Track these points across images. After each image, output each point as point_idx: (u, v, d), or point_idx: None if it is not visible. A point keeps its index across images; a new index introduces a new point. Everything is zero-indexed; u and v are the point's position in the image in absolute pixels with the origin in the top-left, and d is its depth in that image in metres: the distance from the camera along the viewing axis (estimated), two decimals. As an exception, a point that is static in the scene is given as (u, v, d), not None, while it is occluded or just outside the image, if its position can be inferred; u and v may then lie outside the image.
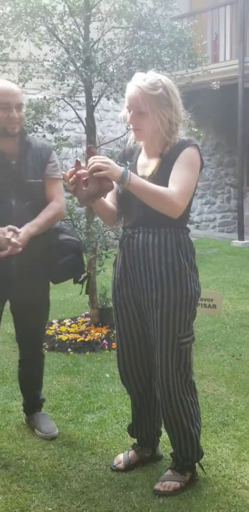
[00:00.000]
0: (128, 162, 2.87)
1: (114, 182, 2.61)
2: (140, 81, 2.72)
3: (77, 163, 2.65)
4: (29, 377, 3.59)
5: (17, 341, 3.61)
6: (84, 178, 2.60)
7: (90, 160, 2.58)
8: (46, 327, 3.87)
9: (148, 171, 2.78)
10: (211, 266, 8.89)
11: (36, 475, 3.02)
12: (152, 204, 2.67)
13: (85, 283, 3.50)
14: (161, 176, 2.71)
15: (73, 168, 2.64)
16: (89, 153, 2.63)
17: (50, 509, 2.72)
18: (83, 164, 2.66)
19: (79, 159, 2.71)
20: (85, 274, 3.47)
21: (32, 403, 3.60)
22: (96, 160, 2.56)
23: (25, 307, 3.35)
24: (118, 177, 2.58)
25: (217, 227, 14.15)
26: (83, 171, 2.62)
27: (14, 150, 3.21)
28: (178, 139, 2.75)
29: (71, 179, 2.63)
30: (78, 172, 2.63)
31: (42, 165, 3.21)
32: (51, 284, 3.44)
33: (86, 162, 2.62)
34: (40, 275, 3.27)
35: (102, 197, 2.79)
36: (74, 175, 2.63)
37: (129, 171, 2.62)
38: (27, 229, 3.12)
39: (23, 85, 5.49)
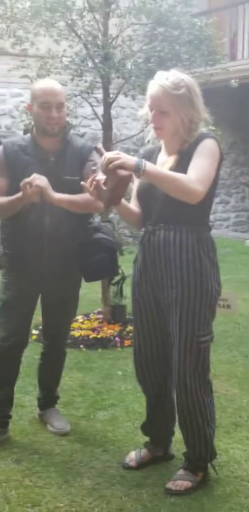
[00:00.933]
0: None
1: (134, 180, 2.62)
2: (162, 80, 2.71)
3: (93, 171, 2.69)
4: (49, 372, 3.61)
5: (43, 334, 3.64)
6: (103, 180, 2.62)
7: (102, 158, 2.59)
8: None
9: (166, 168, 2.77)
10: (225, 266, 8.81)
11: (48, 471, 3.02)
12: (169, 190, 2.65)
13: (119, 286, 3.48)
14: (179, 171, 2.69)
15: (91, 177, 2.67)
16: (99, 153, 2.65)
17: (61, 505, 2.72)
18: (99, 173, 2.69)
19: (95, 168, 2.73)
20: (118, 275, 3.47)
21: (47, 399, 3.61)
22: (108, 155, 2.57)
23: (55, 301, 3.37)
24: (133, 165, 2.56)
25: (230, 226, 14.08)
26: (101, 175, 2.63)
27: (54, 147, 3.23)
28: (197, 134, 2.74)
29: (92, 188, 2.64)
30: (97, 177, 2.65)
31: (81, 163, 3.21)
32: None
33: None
34: (71, 271, 3.29)
35: (126, 202, 2.79)
36: (93, 182, 2.65)
37: (143, 159, 2.61)
38: (55, 194, 3.09)
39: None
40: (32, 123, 3.33)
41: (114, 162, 2.53)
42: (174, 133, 2.76)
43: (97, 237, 3.28)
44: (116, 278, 5.46)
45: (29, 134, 3.32)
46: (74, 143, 3.31)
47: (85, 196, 3.01)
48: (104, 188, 2.62)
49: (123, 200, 2.81)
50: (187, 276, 2.74)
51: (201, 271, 2.74)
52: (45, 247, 3.20)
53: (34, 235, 3.18)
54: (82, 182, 2.72)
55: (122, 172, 2.57)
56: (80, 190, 3.18)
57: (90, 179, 2.67)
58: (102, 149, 2.67)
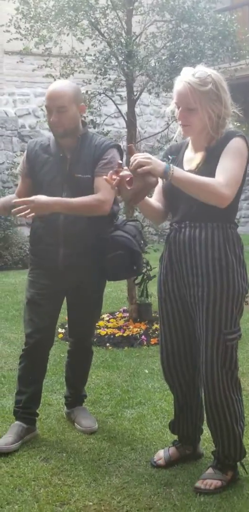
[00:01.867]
0: (169, 156, 2.85)
1: (159, 179, 2.59)
2: (189, 76, 2.68)
3: (119, 165, 2.63)
4: (76, 370, 3.62)
5: (68, 332, 3.66)
6: (128, 178, 2.59)
7: (132, 158, 2.57)
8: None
9: (193, 165, 2.76)
10: (250, 263, 8.78)
11: (77, 469, 3.02)
12: (197, 195, 2.63)
13: (144, 285, 3.43)
14: (207, 169, 2.68)
15: (114, 170, 2.62)
16: (130, 151, 2.62)
17: (90, 503, 2.72)
18: (124, 166, 2.65)
19: (120, 161, 2.70)
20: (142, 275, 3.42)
21: (75, 397, 3.62)
22: (138, 157, 2.55)
23: (78, 299, 3.40)
24: (161, 171, 2.55)
25: (256, 223, 13.97)
26: (126, 172, 2.59)
27: (71, 146, 3.25)
28: (225, 132, 2.71)
29: (114, 182, 2.61)
30: (121, 173, 2.60)
31: (93, 162, 3.21)
32: None
33: (128, 161, 2.61)
34: (90, 268, 3.29)
35: (147, 197, 2.77)
36: (117, 177, 2.61)
37: (171, 164, 2.60)
38: (53, 199, 3.12)
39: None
40: None
41: (144, 168, 2.52)
42: (201, 130, 2.73)
43: (114, 234, 3.26)
44: (140, 278, 5.45)
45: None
46: (92, 141, 3.29)
47: (84, 199, 3.08)
48: (128, 188, 2.60)
49: None
50: (213, 274, 2.71)
51: (228, 268, 2.71)
52: (60, 245, 3.24)
53: (50, 232, 3.24)
54: (104, 177, 2.67)
55: (150, 179, 2.56)
56: (91, 188, 3.19)
57: (113, 172, 2.62)
58: (134, 149, 2.64)
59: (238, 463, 2.91)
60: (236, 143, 2.69)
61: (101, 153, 3.24)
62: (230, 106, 2.74)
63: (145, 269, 5.05)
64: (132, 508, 2.68)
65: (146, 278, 3.39)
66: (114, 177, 2.59)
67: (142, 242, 3.40)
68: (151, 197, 2.92)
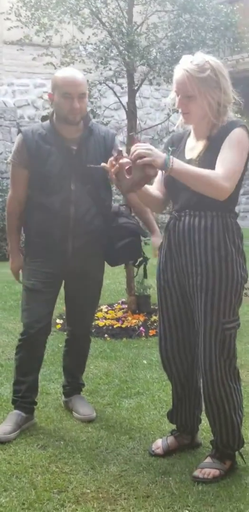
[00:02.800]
0: (169, 148, 2.84)
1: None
2: (187, 64, 2.66)
3: (119, 153, 2.62)
4: (74, 358, 3.61)
5: (67, 321, 3.65)
6: (127, 166, 2.58)
7: (133, 147, 2.56)
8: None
9: (195, 154, 2.74)
10: (249, 257, 8.78)
11: (74, 457, 3.01)
12: (197, 188, 2.63)
13: (142, 266, 3.44)
14: (208, 158, 2.66)
15: (114, 157, 2.61)
16: (132, 141, 2.61)
17: (88, 491, 2.71)
18: (125, 154, 2.63)
19: (121, 148, 2.69)
20: (141, 258, 3.45)
21: (73, 386, 3.61)
22: (139, 148, 2.54)
23: (78, 286, 3.38)
24: (161, 163, 2.55)
25: (254, 218, 13.97)
26: (126, 160, 2.58)
27: (75, 135, 3.23)
28: (226, 121, 2.69)
29: (113, 169, 2.59)
30: (121, 161, 2.59)
31: (105, 151, 3.19)
32: None
33: (128, 150, 2.60)
34: (96, 257, 3.30)
35: (146, 185, 2.76)
36: (116, 165, 2.60)
37: (171, 156, 2.59)
38: None
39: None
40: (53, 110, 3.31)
41: (144, 159, 2.51)
42: (202, 118, 2.71)
43: (122, 222, 3.26)
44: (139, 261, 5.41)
45: (48, 121, 3.30)
46: (97, 131, 3.30)
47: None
48: (127, 177, 2.58)
49: None
50: (212, 263, 2.70)
51: (226, 257, 2.70)
52: (70, 235, 3.22)
53: (59, 224, 3.19)
54: (103, 164, 2.66)
55: (150, 171, 2.56)
56: (102, 178, 3.17)
57: (112, 158, 2.61)
58: (136, 139, 2.63)
59: (236, 453, 2.90)
60: (237, 133, 2.67)
61: (112, 142, 3.28)
62: (231, 93, 2.71)
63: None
64: (129, 496, 2.67)
65: (143, 260, 3.39)
66: (114, 163, 2.58)
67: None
68: (151, 184, 2.90)
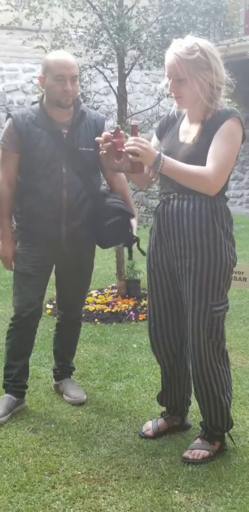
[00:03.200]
0: (161, 148, 2.83)
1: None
2: (176, 47, 2.66)
3: (117, 131, 2.62)
4: (64, 343, 3.62)
5: (58, 305, 3.65)
6: (119, 149, 2.58)
7: (131, 140, 2.57)
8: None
9: (189, 138, 2.75)
10: (238, 242, 8.71)
11: (65, 440, 3.03)
12: (187, 185, 2.67)
13: (134, 246, 3.40)
14: (201, 143, 2.67)
15: (111, 132, 2.62)
16: (133, 132, 2.62)
17: (79, 472, 2.73)
18: (121, 132, 2.64)
19: (119, 126, 2.69)
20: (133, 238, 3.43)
21: (63, 369, 3.62)
22: (137, 144, 2.56)
23: (70, 269, 3.38)
24: (152, 164, 2.60)
25: (244, 203, 14.00)
26: (119, 140, 2.60)
27: (65, 119, 3.22)
28: (221, 107, 2.69)
29: (106, 144, 2.60)
30: (114, 140, 2.60)
31: (96, 134, 3.16)
32: None
33: (126, 137, 2.62)
34: (88, 240, 3.30)
35: None
36: (109, 142, 2.61)
37: (162, 156, 2.61)
38: None
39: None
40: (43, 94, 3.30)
41: (136, 158, 2.56)
42: (195, 101, 2.71)
43: (109, 201, 3.24)
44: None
45: (37, 105, 3.28)
46: (87, 114, 3.30)
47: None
48: (115, 161, 2.61)
49: None
50: (200, 246, 2.72)
51: (215, 240, 2.72)
52: (63, 221, 3.21)
53: (52, 208, 3.19)
54: (97, 138, 2.69)
55: (138, 167, 2.62)
56: (93, 161, 3.17)
57: (107, 134, 2.62)
58: (137, 130, 2.64)
59: (226, 434, 2.94)
60: (230, 125, 2.67)
61: (102, 125, 3.28)
62: (223, 74, 2.70)
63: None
64: (120, 477, 2.69)
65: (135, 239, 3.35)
66: (110, 138, 2.60)
67: None
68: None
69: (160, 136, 2.93)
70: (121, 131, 2.63)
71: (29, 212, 3.24)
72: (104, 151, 2.63)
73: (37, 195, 3.19)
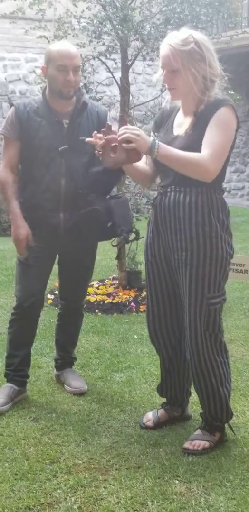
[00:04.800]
0: (155, 134, 2.86)
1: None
2: (171, 39, 2.68)
3: (109, 127, 2.65)
4: (66, 333, 3.64)
5: (60, 295, 3.66)
6: (113, 144, 2.60)
7: (122, 129, 2.59)
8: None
9: (182, 130, 2.76)
10: (239, 235, 8.78)
11: (66, 429, 3.05)
12: (183, 171, 2.68)
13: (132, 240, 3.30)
14: (195, 134, 2.68)
15: (102, 131, 2.64)
16: (122, 121, 2.63)
17: (80, 461, 2.76)
18: (114, 128, 2.65)
19: (110, 123, 2.71)
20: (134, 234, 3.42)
21: (65, 359, 3.64)
22: (128, 131, 2.58)
23: (72, 260, 3.39)
24: (147, 149, 2.61)
25: (245, 196, 13.98)
26: (113, 136, 2.62)
27: (67, 109, 3.23)
28: (214, 98, 2.70)
29: (100, 142, 2.62)
30: (108, 137, 2.62)
31: (98, 126, 3.15)
32: None
33: (118, 129, 2.63)
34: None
35: None
36: (103, 139, 2.62)
37: (157, 142, 2.62)
38: None
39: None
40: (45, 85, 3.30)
41: (130, 145, 2.57)
42: (188, 92, 2.71)
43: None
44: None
45: (40, 96, 3.30)
46: (90, 106, 3.31)
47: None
48: (111, 155, 2.62)
49: None
50: (196, 239, 2.73)
51: (211, 233, 2.73)
52: (61, 210, 3.22)
53: (50, 199, 3.20)
54: (87, 139, 2.72)
55: (134, 156, 2.62)
56: (93, 151, 3.18)
57: (98, 134, 2.63)
58: (126, 120, 2.66)
59: (226, 425, 2.96)
60: (224, 113, 2.68)
61: (105, 116, 3.30)
62: (217, 67, 2.71)
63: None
64: (121, 466, 2.72)
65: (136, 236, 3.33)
66: (102, 136, 2.61)
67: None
68: None
69: (156, 132, 2.94)
70: (114, 128, 2.65)
71: (30, 201, 3.26)
72: (100, 151, 2.66)
73: (36, 184, 3.21)
